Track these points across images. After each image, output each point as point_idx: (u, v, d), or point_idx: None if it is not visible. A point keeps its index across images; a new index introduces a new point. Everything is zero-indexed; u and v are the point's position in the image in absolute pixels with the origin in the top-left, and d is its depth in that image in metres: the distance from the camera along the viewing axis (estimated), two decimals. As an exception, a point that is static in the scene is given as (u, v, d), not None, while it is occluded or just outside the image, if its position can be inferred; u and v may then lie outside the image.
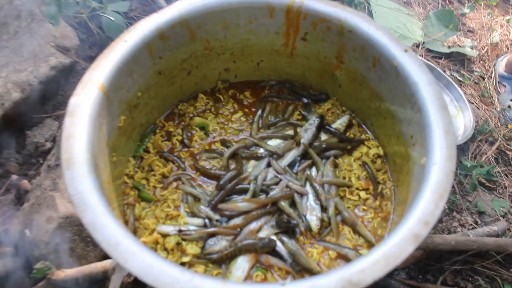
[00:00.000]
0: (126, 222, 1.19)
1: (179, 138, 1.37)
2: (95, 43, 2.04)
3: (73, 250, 1.35)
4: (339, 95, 1.46)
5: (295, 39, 1.38)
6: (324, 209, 1.22)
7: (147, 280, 0.78)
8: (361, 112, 1.42)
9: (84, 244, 1.37)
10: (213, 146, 1.37)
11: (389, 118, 1.26)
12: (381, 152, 1.34)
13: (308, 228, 1.19)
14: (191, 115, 1.43)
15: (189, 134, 1.38)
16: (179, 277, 0.79)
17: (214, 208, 1.20)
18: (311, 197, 1.23)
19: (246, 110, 1.46)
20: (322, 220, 1.20)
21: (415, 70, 1.12)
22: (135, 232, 1.18)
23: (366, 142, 1.38)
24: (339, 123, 1.40)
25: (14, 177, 1.61)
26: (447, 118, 1.02)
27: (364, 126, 1.42)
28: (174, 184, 1.28)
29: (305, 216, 1.20)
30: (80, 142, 0.97)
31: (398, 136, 1.22)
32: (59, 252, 1.34)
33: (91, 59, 1.90)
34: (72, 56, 1.79)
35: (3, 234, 1.53)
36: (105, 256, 1.42)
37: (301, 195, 1.23)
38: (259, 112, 1.43)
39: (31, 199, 1.46)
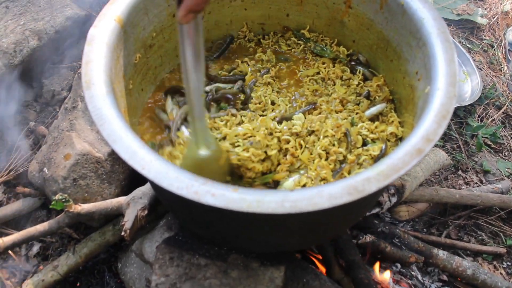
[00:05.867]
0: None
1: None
2: None
3: (89, 187, 1.41)
4: (346, 42, 1.49)
5: (304, -15, 1.41)
6: None
7: (162, 184, 0.83)
8: (368, 58, 1.45)
9: (100, 181, 1.42)
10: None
11: (396, 59, 1.29)
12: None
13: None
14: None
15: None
16: (194, 182, 0.83)
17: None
18: None
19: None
20: None
21: (420, 7, 1.15)
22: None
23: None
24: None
25: (32, 123, 1.68)
26: (450, 49, 1.05)
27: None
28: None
29: None
30: (98, 67, 1.01)
31: (404, 76, 1.25)
32: (76, 187, 1.39)
33: (105, 14, 1.96)
34: (86, 9, 1.84)
35: (23, 175, 1.60)
36: (119, 194, 1.48)
37: None
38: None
39: (48, 140, 1.51)
